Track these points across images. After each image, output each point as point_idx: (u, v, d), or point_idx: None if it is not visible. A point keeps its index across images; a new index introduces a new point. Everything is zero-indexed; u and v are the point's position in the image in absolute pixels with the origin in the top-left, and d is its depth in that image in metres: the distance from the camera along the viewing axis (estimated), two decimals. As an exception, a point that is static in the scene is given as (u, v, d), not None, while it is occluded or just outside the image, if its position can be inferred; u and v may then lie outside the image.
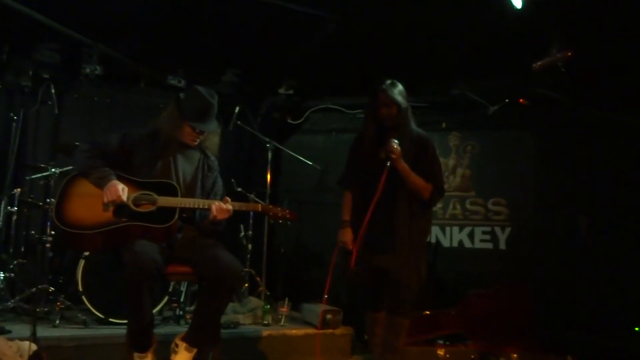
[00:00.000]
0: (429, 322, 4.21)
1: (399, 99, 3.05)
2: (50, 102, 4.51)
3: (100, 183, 2.74)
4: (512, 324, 4.13)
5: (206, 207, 2.80)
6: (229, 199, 2.84)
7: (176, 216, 2.73)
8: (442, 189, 3.13)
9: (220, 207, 2.78)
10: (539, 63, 3.31)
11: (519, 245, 5.08)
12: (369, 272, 3.14)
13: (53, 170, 4.14)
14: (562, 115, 4.85)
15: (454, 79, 5.38)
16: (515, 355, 3.93)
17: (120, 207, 2.73)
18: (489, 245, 5.19)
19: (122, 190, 2.71)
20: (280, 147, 5.38)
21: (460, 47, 4.70)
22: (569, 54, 3.07)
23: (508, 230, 5.16)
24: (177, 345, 2.73)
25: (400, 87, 3.12)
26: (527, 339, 4.08)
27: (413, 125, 3.16)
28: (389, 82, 3.12)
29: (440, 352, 4.03)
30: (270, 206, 3.01)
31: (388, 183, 2.96)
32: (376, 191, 2.93)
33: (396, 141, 2.95)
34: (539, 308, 4.25)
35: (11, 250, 4.35)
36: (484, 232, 5.23)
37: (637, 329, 4.42)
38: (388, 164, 2.94)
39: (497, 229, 5.20)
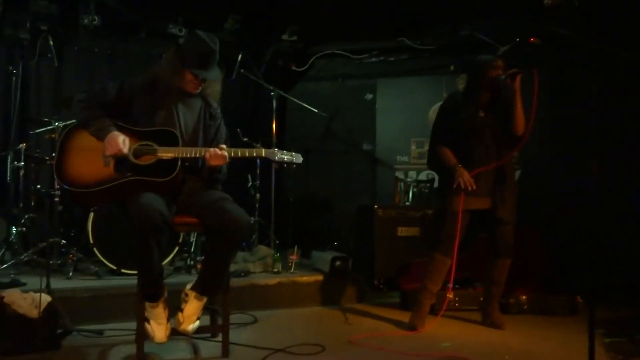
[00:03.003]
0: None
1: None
2: (49, 55, 4.42)
3: (100, 135, 2.68)
4: (522, 266, 4.13)
5: (202, 154, 2.73)
6: (224, 146, 2.75)
7: (178, 168, 2.68)
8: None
9: (215, 153, 2.71)
10: (550, -1, 3.16)
11: (530, 187, 5.04)
12: (466, 218, 3.46)
13: (57, 124, 4.11)
14: (574, 53, 4.70)
15: (461, 20, 5.21)
16: (524, 297, 3.96)
17: (120, 161, 2.68)
18: (500, 188, 5.15)
19: (123, 142, 2.65)
20: (285, 95, 5.30)
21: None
22: (584, -13, 2.92)
23: (518, 172, 5.10)
24: (186, 295, 2.74)
25: None
26: (537, 280, 4.10)
27: None
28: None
29: (450, 295, 4.05)
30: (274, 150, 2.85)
31: (484, 133, 3.44)
32: (471, 143, 3.43)
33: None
34: (548, 250, 4.24)
35: (21, 205, 4.39)
36: (494, 175, 5.18)
37: (646, 268, 4.43)
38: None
39: (508, 172, 5.14)
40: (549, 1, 3.43)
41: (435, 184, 5.08)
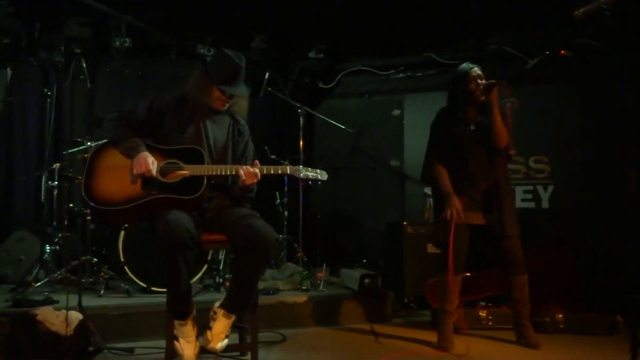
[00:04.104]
0: (470, 284, 4.12)
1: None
2: (82, 77, 4.54)
3: (130, 154, 2.72)
4: (557, 284, 4.01)
5: (234, 173, 2.75)
6: (258, 163, 2.78)
7: (204, 186, 2.69)
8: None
9: (248, 172, 2.73)
10: (581, 10, 3.09)
11: (563, 203, 4.92)
12: (466, 233, 3.41)
13: (89, 143, 4.20)
14: (606, 65, 4.60)
15: (490, 33, 5.16)
16: (560, 315, 3.84)
17: (148, 179, 2.71)
18: (531, 205, 5.04)
19: (152, 164, 2.69)
20: (313, 112, 5.31)
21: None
22: (615, -3, 2.85)
23: (551, 188, 4.99)
24: (215, 313, 2.74)
25: None
26: (573, 298, 3.97)
27: None
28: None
29: (482, 313, 3.97)
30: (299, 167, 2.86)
31: (477, 147, 3.41)
32: (465, 158, 3.41)
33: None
34: (584, 267, 4.11)
35: (55, 224, 4.48)
36: (525, 192, 5.08)
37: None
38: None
39: (540, 188, 5.04)
40: (579, 12, 3.36)
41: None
